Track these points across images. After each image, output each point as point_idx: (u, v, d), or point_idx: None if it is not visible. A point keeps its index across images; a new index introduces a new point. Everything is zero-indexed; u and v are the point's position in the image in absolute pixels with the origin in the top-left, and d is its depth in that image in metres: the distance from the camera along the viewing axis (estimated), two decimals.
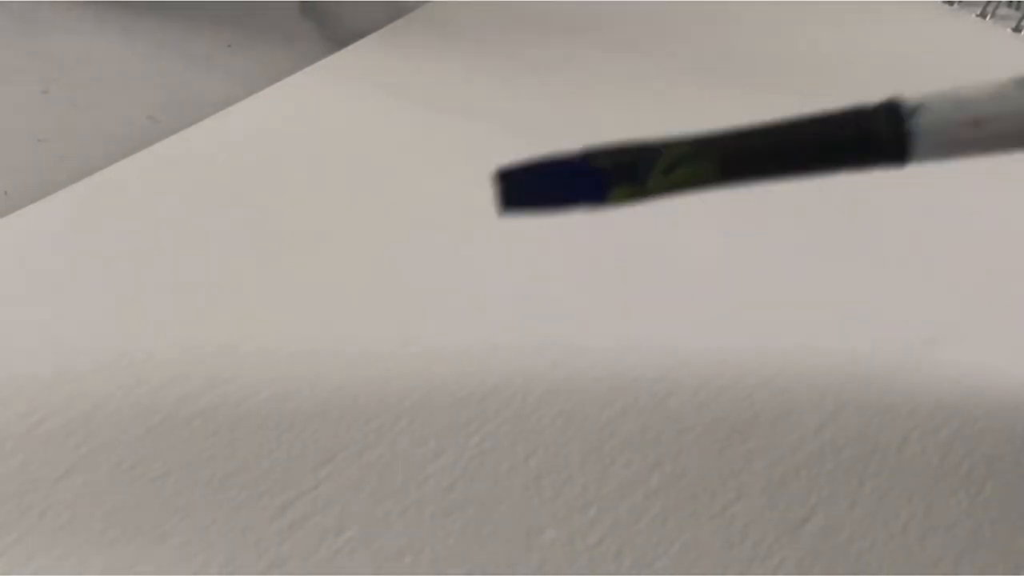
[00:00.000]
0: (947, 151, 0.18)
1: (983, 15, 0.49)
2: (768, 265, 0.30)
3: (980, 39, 0.45)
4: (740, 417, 0.27)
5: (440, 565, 0.24)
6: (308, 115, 0.34)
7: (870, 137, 0.18)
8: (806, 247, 0.31)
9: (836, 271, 0.30)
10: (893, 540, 0.24)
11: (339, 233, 0.31)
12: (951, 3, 0.50)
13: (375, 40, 0.37)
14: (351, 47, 0.37)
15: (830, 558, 0.24)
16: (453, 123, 0.34)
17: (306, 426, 0.26)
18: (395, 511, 0.25)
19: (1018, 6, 0.50)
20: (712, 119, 0.34)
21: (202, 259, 0.30)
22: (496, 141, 0.34)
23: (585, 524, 0.25)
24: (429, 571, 0.24)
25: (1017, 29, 0.48)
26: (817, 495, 0.25)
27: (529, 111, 0.35)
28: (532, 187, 0.19)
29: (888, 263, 0.31)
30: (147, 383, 0.27)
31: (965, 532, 0.24)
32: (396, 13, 0.38)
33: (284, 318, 0.29)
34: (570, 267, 0.30)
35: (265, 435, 0.26)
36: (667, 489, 0.25)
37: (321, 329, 0.28)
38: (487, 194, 0.32)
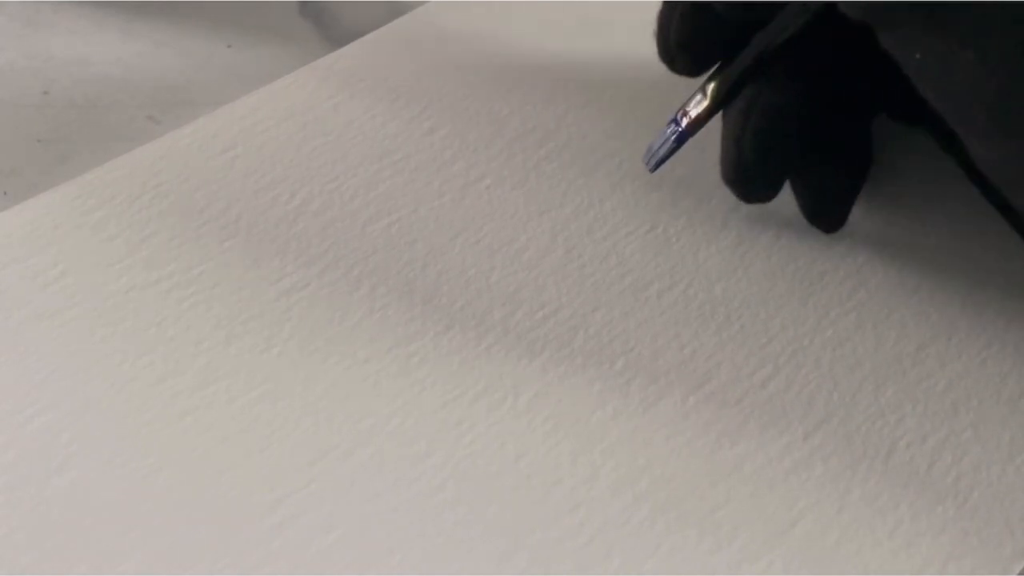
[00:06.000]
0: None
1: None
2: (760, 272, 0.31)
3: None
4: (730, 422, 0.27)
5: (429, 565, 0.24)
6: (306, 114, 0.34)
7: None
8: (796, 256, 0.31)
9: (827, 279, 0.30)
10: (880, 546, 0.24)
11: (336, 232, 0.31)
12: None
13: (374, 40, 0.38)
14: (349, 46, 0.37)
15: (817, 562, 0.24)
16: (452, 123, 0.35)
17: (297, 424, 0.27)
18: (385, 510, 0.25)
19: None
20: (715, 119, 0.34)
21: (199, 258, 0.30)
22: (495, 142, 0.34)
23: (575, 525, 0.25)
24: (418, 570, 0.24)
25: None
26: (805, 500, 0.25)
27: (528, 112, 0.35)
28: None
29: (878, 271, 0.31)
30: (140, 380, 0.27)
31: (951, 539, 0.24)
32: (395, 13, 0.38)
33: (277, 317, 0.29)
34: (564, 269, 0.30)
35: (256, 433, 0.26)
36: (656, 492, 0.25)
37: (314, 328, 0.29)
38: (484, 193, 0.32)
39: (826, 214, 0.31)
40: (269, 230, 0.31)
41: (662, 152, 0.31)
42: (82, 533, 0.24)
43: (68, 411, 0.27)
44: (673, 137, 0.30)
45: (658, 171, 0.32)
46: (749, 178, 0.30)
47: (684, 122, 0.30)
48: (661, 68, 0.31)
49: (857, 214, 0.32)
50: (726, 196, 0.33)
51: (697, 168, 0.34)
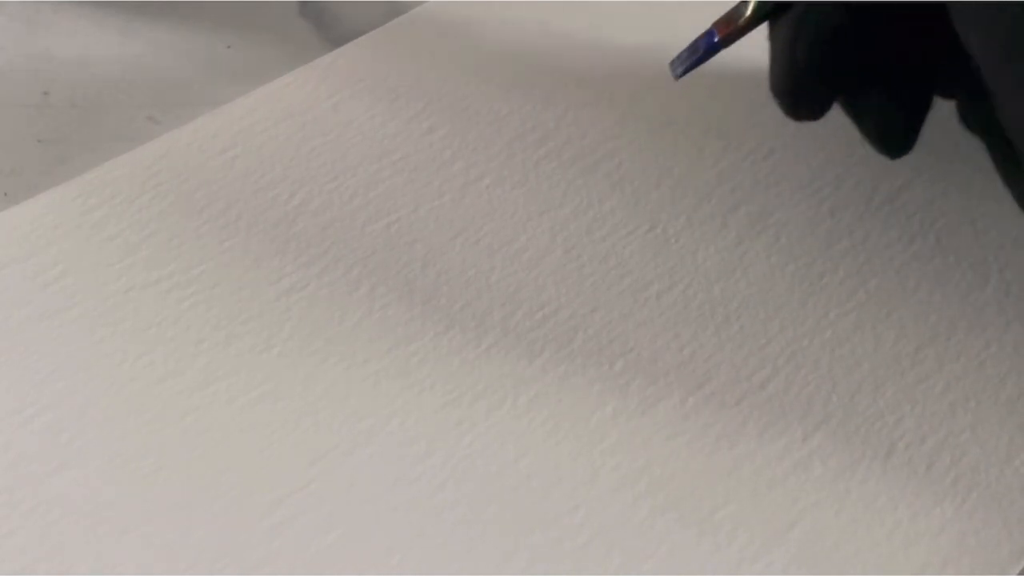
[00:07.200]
0: None
1: None
2: (759, 273, 0.31)
3: None
4: (729, 423, 0.27)
5: (429, 565, 0.24)
6: (305, 114, 0.34)
7: None
8: (795, 257, 0.31)
9: (827, 279, 0.30)
10: (878, 547, 0.24)
11: (335, 232, 0.31)
12: None
13: (373, 39, 0.38)
14: (348, 46, 0.37)
15: (817, 563, 0.24)
16: (452, 123, 0.35)
17: (297, 424, 0.27)
18: (385, 510, 0.25)
19: None
20: (715, 119, 0.34)
21: (199, 258, 0.30)
22: (495, 141, 0.34)
23: (574, 525, 0.25)
24: (418, 570, 0.24)
25: None
26: (804, 501, 0.25)
27: (528, 112, 0.35)
28: None
29: (877, 271, 0.31)
30: (140, 380, 0.27)
31: (950, 539, 0.24)
32: (395, 13, 0.38)
33: (277, 317, 0.29)
34: (564, 269, 0.30)
35: (256, 433, 0.26)
36: (656, 492, 0.25)
37: (313, 328, 0.29)
38: (484, 193, 0.32)
39: (891, 134, 0.29)
40: (269, 230, 0.32)
41: (691, 61, 0.29)
42: (82, 533, 0.24)
43: (68, 411, 0.27)
44: (705, 47, 0.29)
45: (657, 171, 0.32)
46: (801, 87, 0.28)
47: (719, 33, 0.28)
48: (661, 68, 0.31)
49: (856, 213, 0.32)
50: (726, 196, 0.33)
51: (697, 167, 0.34)
